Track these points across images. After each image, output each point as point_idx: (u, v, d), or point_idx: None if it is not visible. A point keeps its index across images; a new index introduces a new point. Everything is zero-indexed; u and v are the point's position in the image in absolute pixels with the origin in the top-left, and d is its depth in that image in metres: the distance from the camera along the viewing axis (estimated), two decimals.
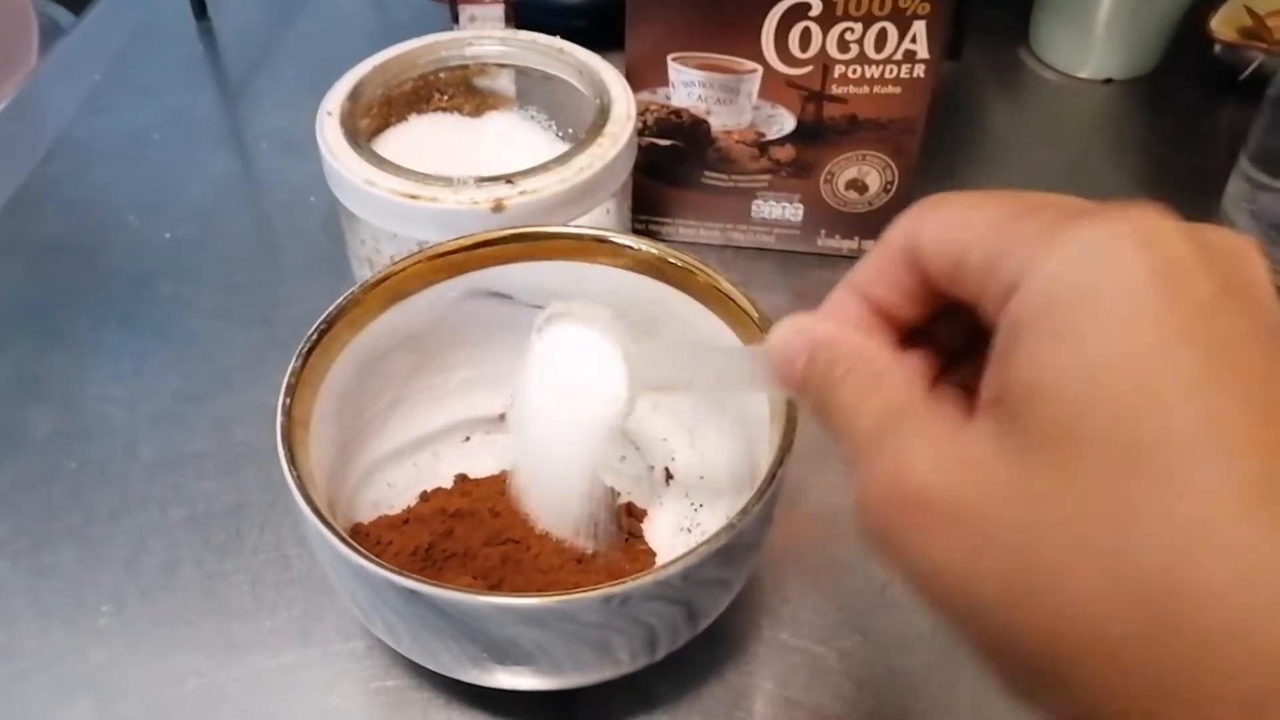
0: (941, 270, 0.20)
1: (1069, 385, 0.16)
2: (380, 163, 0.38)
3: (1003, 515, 0.17)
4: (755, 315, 0.33)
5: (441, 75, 0.45)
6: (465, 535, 0.35)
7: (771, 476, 0.29)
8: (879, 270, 0.21)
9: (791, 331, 0.23)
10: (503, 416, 0.39)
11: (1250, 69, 0.57)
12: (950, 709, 0.33)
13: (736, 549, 0.29)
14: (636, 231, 0.49)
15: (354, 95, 0.41)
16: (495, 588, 0.33)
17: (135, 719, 0.33)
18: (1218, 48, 0.58)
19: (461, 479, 0.37)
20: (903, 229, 0.21)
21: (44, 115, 0.58)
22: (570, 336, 0.29)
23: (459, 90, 0.46)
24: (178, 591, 0.37)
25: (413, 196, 0.37)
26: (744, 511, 0.28)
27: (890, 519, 0.19)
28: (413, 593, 0.27)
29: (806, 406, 0.22)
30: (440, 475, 0.38)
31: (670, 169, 0.48)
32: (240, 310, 0.47)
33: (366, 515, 0.36)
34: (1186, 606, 0.15)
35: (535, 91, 0.46)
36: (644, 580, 0.27)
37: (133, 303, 0.47)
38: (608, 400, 0.28)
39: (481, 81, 0.46)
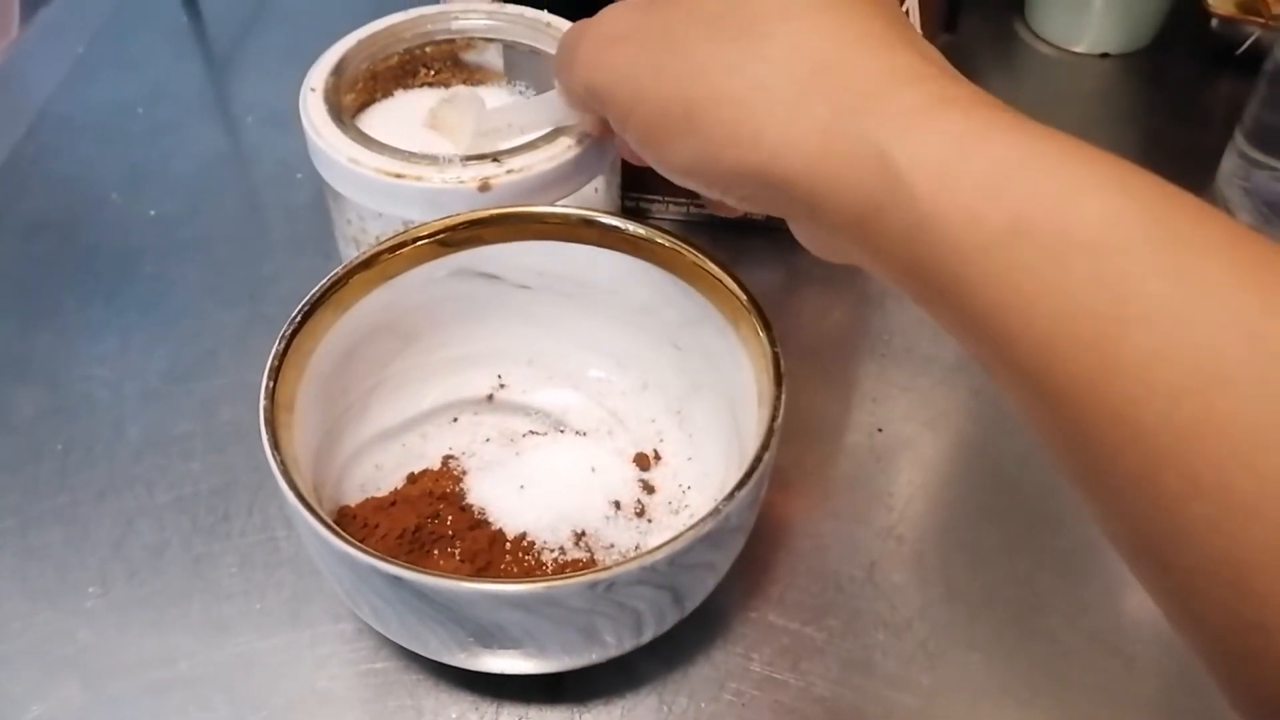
0: None
1: None
2: (365, 140, 0.37)
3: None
4: (742, 296, 0.33)
5: (427, 50, 0.44)
6: (452, 518, 0.35)
7: (757, 460, 0.29)
8: None
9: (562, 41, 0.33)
10: (491, 397, 0.39)
11: (1247, 44, 0.57)
12: (939, 688, 0.33)
13: (723, 533, 0.29)
14: (626, 209, 0.49)
15: (338, 71, 0.40)
16: (483, 571, 0.33)
17: (123, 700, 0.33)
18: (1215, 22, 0.57)
19: (449, 460, 0.37)
20: None
21: (26, 89, 0.58)
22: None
23: (445, 65, 0.45)
24: (166, 573, 0.37)
25: (398, 175, 0.36)
26: (730, 496, 0.28)
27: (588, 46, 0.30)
28: (397, 579, 0.27)
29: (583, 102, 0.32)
30: (428, 456, 0.37)
31: None
32: (227, 288, 0.47)
33: (354, 497, 0.35)
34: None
35: (523, 66, 0.45)
36: (630, 566, 0.27)
37: (117, 280, 0.47)
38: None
39: (469, 56, 0.45)
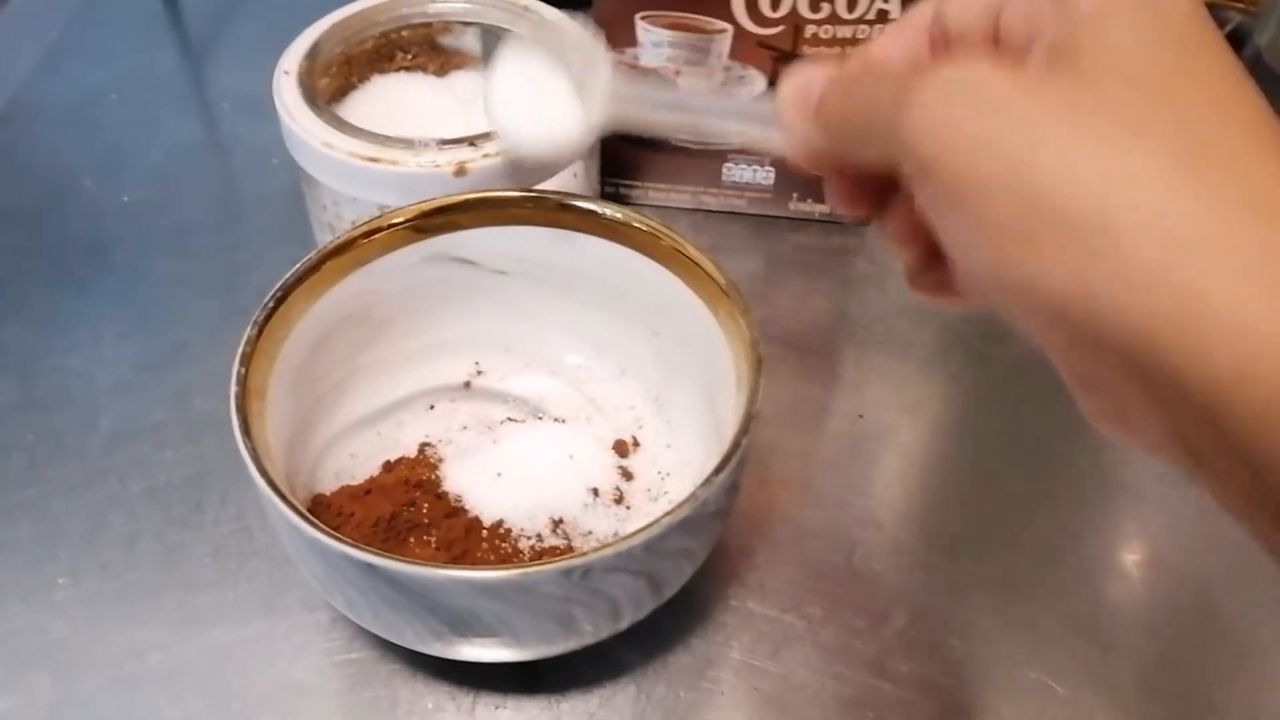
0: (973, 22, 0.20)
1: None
2: (339, 124, 0.37)
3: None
4: (721, 280, 0.32)
5: (404, 33, 0.44)
6: (428, 506, 0.34)
7: (735, 445, 0.28)
8: (898, 36, 0.22)
9: (805, 74, 0.23)
10: (468, 384, 0.39)
11: (1228, 30, 0.57)
12: (918, 675, 0.33)
13: (700, 519, 0.28)
14: (607, 195, 0.48)
15: (312, 54, 0.40)
16: (459, 559, 0.33)
17: (94, 693, 0.33)
18: None
19: (425, 448, 0.37)
20: (930, 3, 0.21)
21: None
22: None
23: (423, 49, 0.45)
24: (138, 564, 0.36)
25: (373, 159, 0.36)
26: (708, 482, 0.28)
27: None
28: (370, 566, 0.26)
29: (822, 135, 0.22)
30: (403, 444, 0.37)
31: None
32: (200, 277, 0.46)
33: (329, 486, 0.35)
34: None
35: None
36: (605, 552, 0.26)
37: (89, 270, 0.46)
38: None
39: (446, 40, 0.45)
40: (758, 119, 0.25)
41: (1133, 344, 0.16)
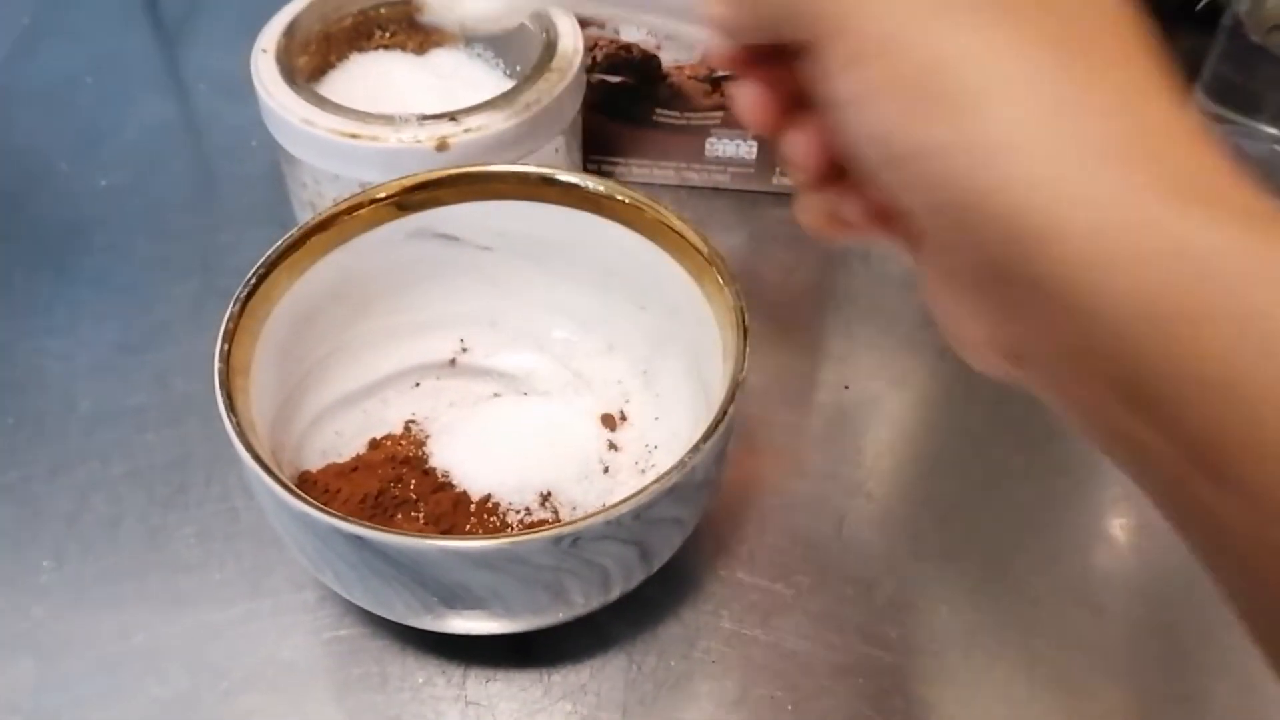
0: None
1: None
2: (319, 101, 0.37)
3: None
4: (704, 250, 0.32)
5: (382, 10, 0.44)
6: (415, 482, 0.34)
7: (722, 413, 0.28)
8: None
9: None
10: (453, 361, 0.38)
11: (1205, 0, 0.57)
12: (908, 641, 0.33)
13: (688, 487, 0.28)
14: (589, 171, 0.48)
15: (290, 31, 0.40)
16: (447, 533, 0.32)
17: (79, 675, 0.33)
18: None
19: (411, 425, 0.36)
20: None
21: None
22: None
23: (401, 26, 0.44)
24: (122, 546, 0.36)
25: (354, 136, 0.36)
26: (695, 449, 0.28)
27: None
28: (359, 539, 0.26)
29: (738, 7, 0.22)
30: (389, 422, 0.37)
31: (622, 106, 0.47)
32: (179, 259, 0.46)
33: (315, 464, 0.35)
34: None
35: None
36: (594, 520, 0.26)
37: (67, 253, 0.46)
38: None
39: (424, 18, 0.45)
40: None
41: (998, 212, 0.17)
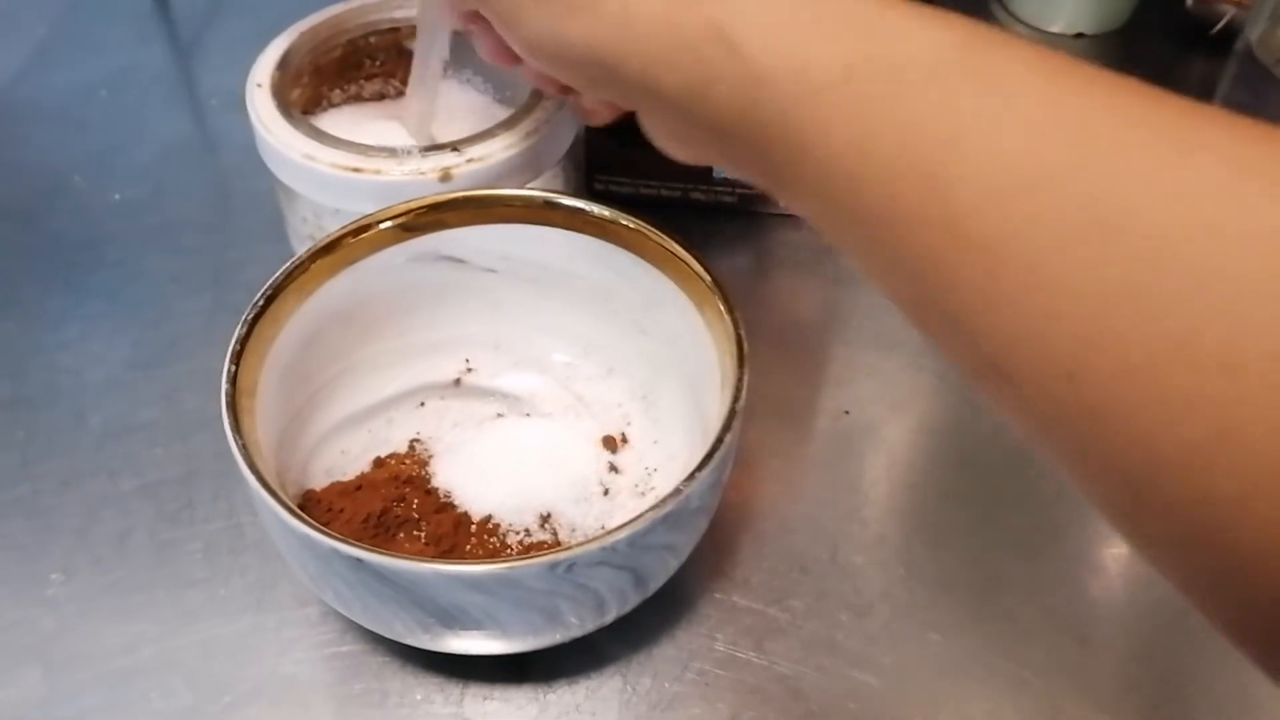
0: None
1: None
2: (319, 135, 0.37)
3: None
4: (707, 278, 0.33)
5: (371, 40, 0.44)
6: (418, 501, 0.35)
7: (718, 441, 0.29)
8: None
9: None
10: (458, 382, 0.39)
11: (1221, 24, 0.57)
12: (900, 667, 0.33)
13: (684, 514, 0.29)
14: (596, 193, 0.49)
15: (283, 65, 0.40)
16: (447, 554, 0.33)
17: (86, 687, 0.33)
18: (1189, 2, 0.58)
19: (415, 444, 0.37)
20: None
21: None
22: None
23: (390, 55, 0.45)
24: (130, 560, 0.36)
25: (356, 170, 0.36)
26: (691, 477, 0.28)
27: None
28: (358, 561, 0.27)
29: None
30: (394, 441, 0.37)
31: (627, 128, 0.47)
32: (190, 275, 0.46)
33: (320, 482, 0.35)
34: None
35: (470, 54, 0.45)
36: (590, 546, 0.27)
37: (79, 267, 0.46)
38: None
39: (413, 44, 0.45)
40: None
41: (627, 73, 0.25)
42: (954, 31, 0.21)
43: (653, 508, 0.27)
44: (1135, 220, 0.18)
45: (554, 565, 0.27)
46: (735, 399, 0.30)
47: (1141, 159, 0.18)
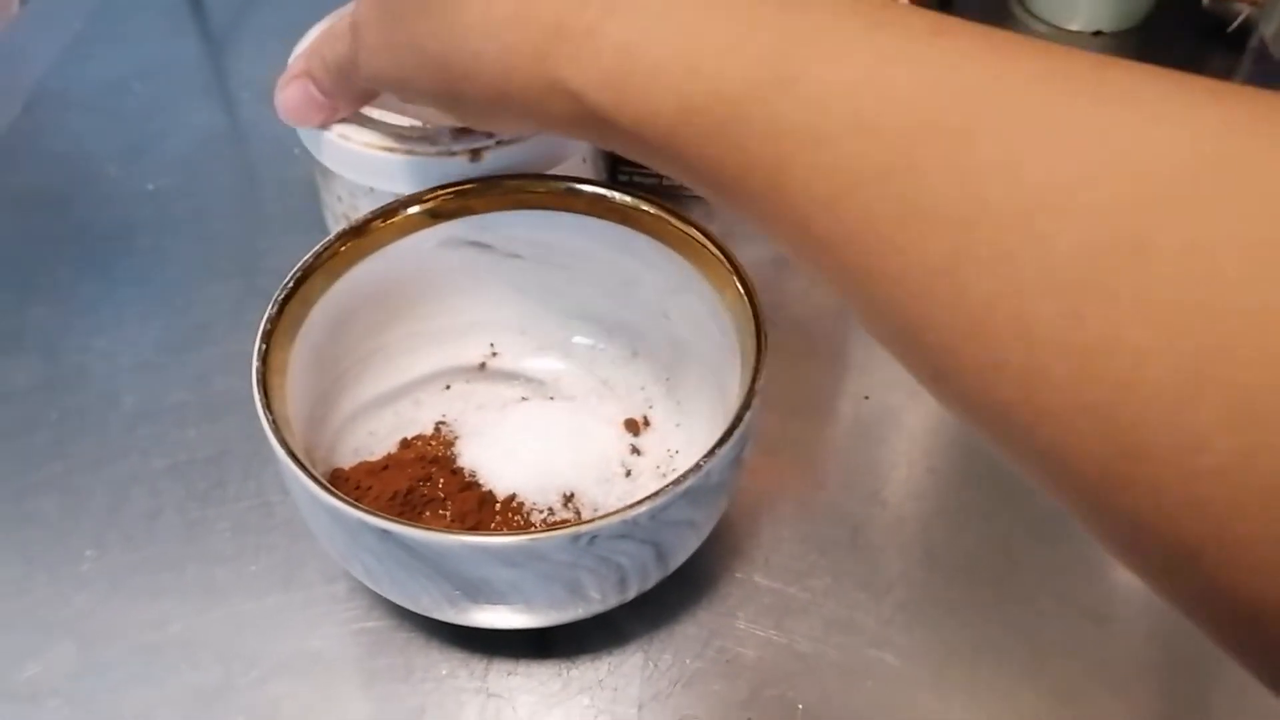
0: None
1: None
2: (354, 116, 0.38)
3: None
4: (727, 262, 0.33)
5: None
6: (444, 481, 0.35)
7: (738, 419, 0.29)
8: None
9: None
10: (483, 365, 0.40)
11: (1237, 22, 0.57)
12: (917, 647, 0.34)
13: (704, 490, 0.29)
14: (622, 183, 0.49)
15: None
16: (472, 530, 0.33)
17: (117, 662, 0.34)
18: (1206, 0, 0.58)
19: (441, 426, 0.38)
20: None
21: (23, 64, 0.58)
22: None
23: None
24: (160, 538, 0.37)
25: (389, 149, 0.37)
26: (710, 454, 0.29)
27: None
28: (386, 533, 0.27)
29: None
30: (421, 422, 0.38)
31: None
32: (221, 262, 0.47)
33: (348, 462, 0.36)
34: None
35: None
36: (612, 520, 0.27)
37: (113, 254, 0.47)
38: None
39: None
40: None
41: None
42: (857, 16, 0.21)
43: (673, 482, 0.28)
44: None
45: (576, 538, 0.27)
46: (754, 378, 0.30)
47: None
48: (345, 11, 0.34)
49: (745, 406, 0.30)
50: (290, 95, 0.36)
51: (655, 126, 0.23)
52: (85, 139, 0.53)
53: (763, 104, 0.21)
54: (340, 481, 0.34)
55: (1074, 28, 0.61)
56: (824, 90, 0.20)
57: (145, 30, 0.60)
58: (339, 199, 0.40)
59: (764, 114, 0.21)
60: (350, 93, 0.35)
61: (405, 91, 0.31)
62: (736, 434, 0.29)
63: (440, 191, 0.35)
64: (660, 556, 0.30)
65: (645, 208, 0.35)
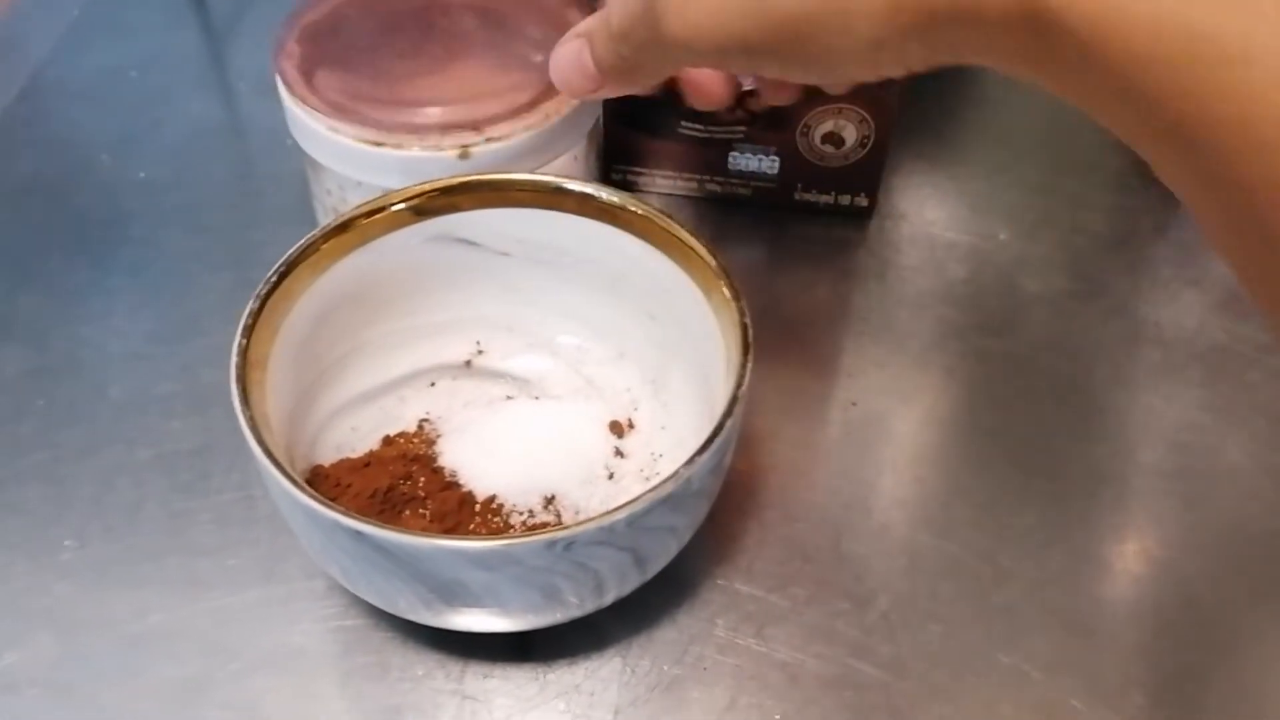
0: None
1: None
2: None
3: None
4: (713, 263, 0.33)
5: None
6: (425, 479, 0.35)
7: (720, 426, 0.29)
8: None
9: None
10: (469, 363, 0.40)
11: None
12: (899, 657, 0.34)
13: (684, 497, 0.29)
14: (613, 182, 0.49)
15: None
16: (451, 531, 0.33)
17: (96, 652, 0.34)
18: None
19: (424, 423, 0.37)
20: None
21: (20, 52, 0.58)
22: None
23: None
24: (143, 529, 0.37)
25: (378, 144, 0.37)
26: (691, 460, 0.28)
27: None
28: (359, 534, 0.27)
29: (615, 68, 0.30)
30: (404, 420, 0.38)
31: (646, 118, 0.47)
32: (213, 253, 0.47)
33: (329, 458, 0.36)
34: None
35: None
36: (588, 526, 0.27)
37: (105, 244, 0.47)
38: None
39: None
40: None
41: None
42: None
43: (652, 489, 0.28)
44: None
45: (552, 543, 0.27)
46: (739, 384, 0.30)
47: None
48: None
49: (728, 414, 0.29)
50: (561, 55, 0.31)
51: (1121, 41, 0.19)
52: (80, 128, 0.53)
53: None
54: (320, 478, 0.34)
55: None
56: None
57: (142, 21, 0.60)
58: (329, 192, 0.40)
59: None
60: (623, 69, 0.30)
61: (728, 55, 0.26)
62: (718, 441, 0.29)
63: (425, 188, 0.35)
64: (639, 562, 0.30)
65: (633, 208, 0.35)
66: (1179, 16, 0.19)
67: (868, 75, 0.24)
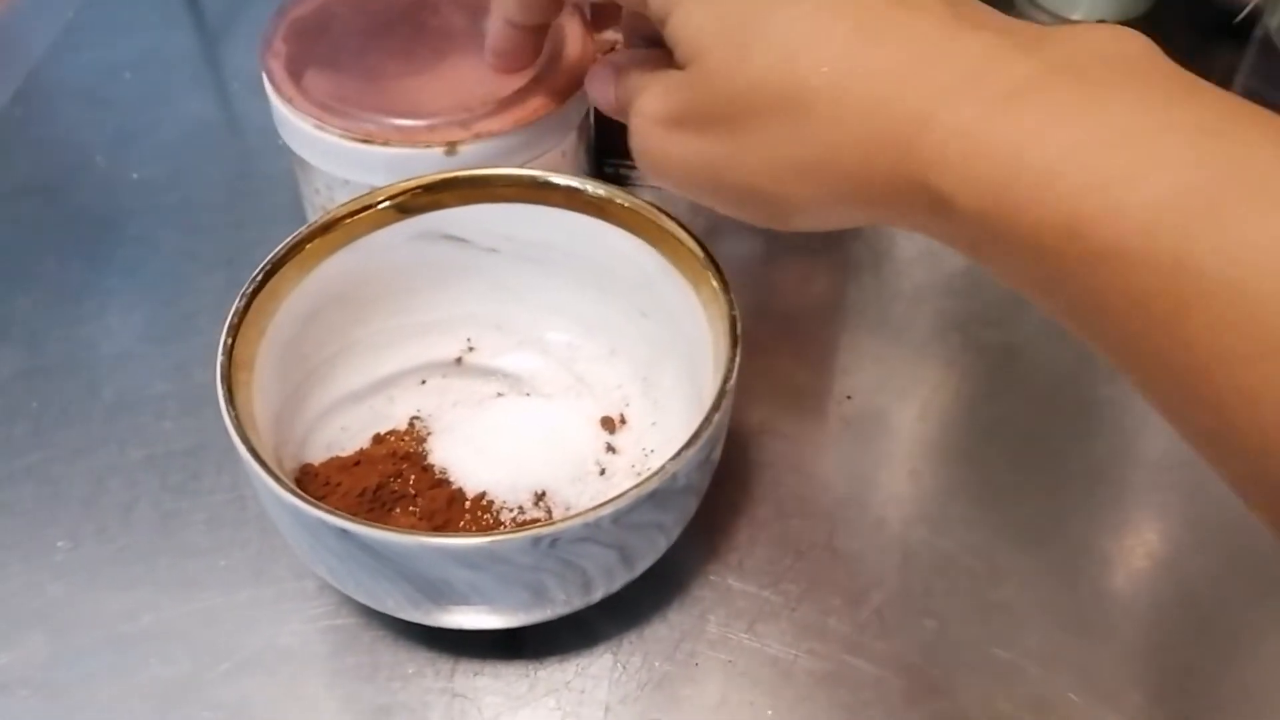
0: None
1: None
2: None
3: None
4: (700, 256, 0.33)
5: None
6: (414, 477, 0.35)
7: (707, 421, 0.29)
8: None
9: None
10: (459, 360, 0.39)
11: (1245, 12, 0.56)
12: (892, 653, 0.33)
13: (671, 493, 0.29)
14: (607, 177, 0.49)
15: None
16: (440, 529, 0.33)
17: (88, 652, 0.34)
18: None
19: (414, 421, 0.37)
20: None
21: (15, 52, 0.58)
22: None
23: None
24: (134, 529, 0.37)
25: (365, 140, 0.37)
26: (677, 456, 0.28)
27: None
28: (345, 532, 0.27)
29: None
30: (394, 418, 0.38)
31: None
32: (206, 253, 0.47)
33: (319, 457, 0.36)
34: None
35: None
36: (573, 522, 0.27)
37: (100, 243, 0.47)
38: None
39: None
40: None
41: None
42: (1205, 168, 0.19)
43: (637, 485, 0.27)
44: None
45: (538, 540, 0.27)
46: (726, 378, 0.30)
47: None
48: None
49: (715, 408, 0.29)
50: (594, 74, 0.33)
51: (1033, 239, 0.21)
52: (75, 128, 0.53)
53: (1173, 236, 0.19)
54: (310, 477, 0.34)
55: (1077, 17, 0.60)
56: (1253, 237, 0.18)
57: (137, 21, 0.60)
58: (317, 191, 0.40)
59: (1172, 248, 0.19)
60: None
61: (697, 200, 0.29)
62: (705, 436, 0.29)
63: (409, 185, 0.35)
64: (626, 559, 0.30)
65: (620, 200, 0.34)
66: (1076, 214, 0.20)
67: (819, 229, 0.28)
